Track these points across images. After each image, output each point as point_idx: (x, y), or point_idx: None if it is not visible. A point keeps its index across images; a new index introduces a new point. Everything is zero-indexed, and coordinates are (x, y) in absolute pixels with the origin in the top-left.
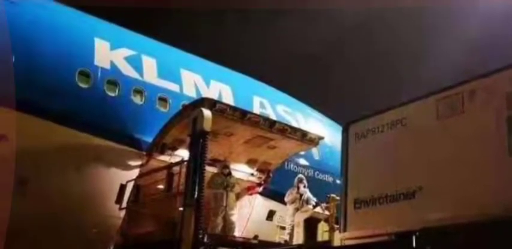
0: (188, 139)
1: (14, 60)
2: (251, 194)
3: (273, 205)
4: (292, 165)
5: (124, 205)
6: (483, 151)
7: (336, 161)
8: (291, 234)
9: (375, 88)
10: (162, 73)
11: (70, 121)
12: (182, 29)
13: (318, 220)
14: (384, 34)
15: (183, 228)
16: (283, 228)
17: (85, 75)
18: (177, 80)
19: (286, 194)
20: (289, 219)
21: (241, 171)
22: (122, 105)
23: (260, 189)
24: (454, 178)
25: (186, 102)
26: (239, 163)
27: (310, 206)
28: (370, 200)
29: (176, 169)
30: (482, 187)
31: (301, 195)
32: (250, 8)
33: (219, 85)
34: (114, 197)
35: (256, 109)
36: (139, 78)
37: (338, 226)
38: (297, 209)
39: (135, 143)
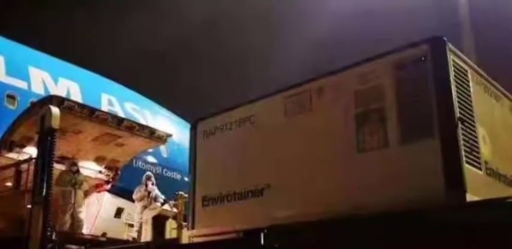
0: (36, 137)
1: None
2: (99, 192)
3: (121, 202)
4: (140, 162)
5: None
6: (332, 149)
7: (184, 159)
8: (139, 232)
9: (223, 86)
10: (10, 71)
11: None
12: (30, 26)
13: (166, 218)
14: (233, 33)
15: (31, 225)
16: (131, 225)
17: None
18: (25, 77)
19: (135, 192)
20: (137, 216)
21: (90, 168)
22: None
23: (108, 186)
24: (302, 175)
25: (35, 99)
26: (87, 161)
27: (159, 204)
28: (219, 197)
29: (24, 166)
30: (331, 184)
31: (149, 192)
32: None
33: (67, 82)
34: None
35: (105, 107)
36: None
37: (186, 224)
38: (145, 207)
39: None
